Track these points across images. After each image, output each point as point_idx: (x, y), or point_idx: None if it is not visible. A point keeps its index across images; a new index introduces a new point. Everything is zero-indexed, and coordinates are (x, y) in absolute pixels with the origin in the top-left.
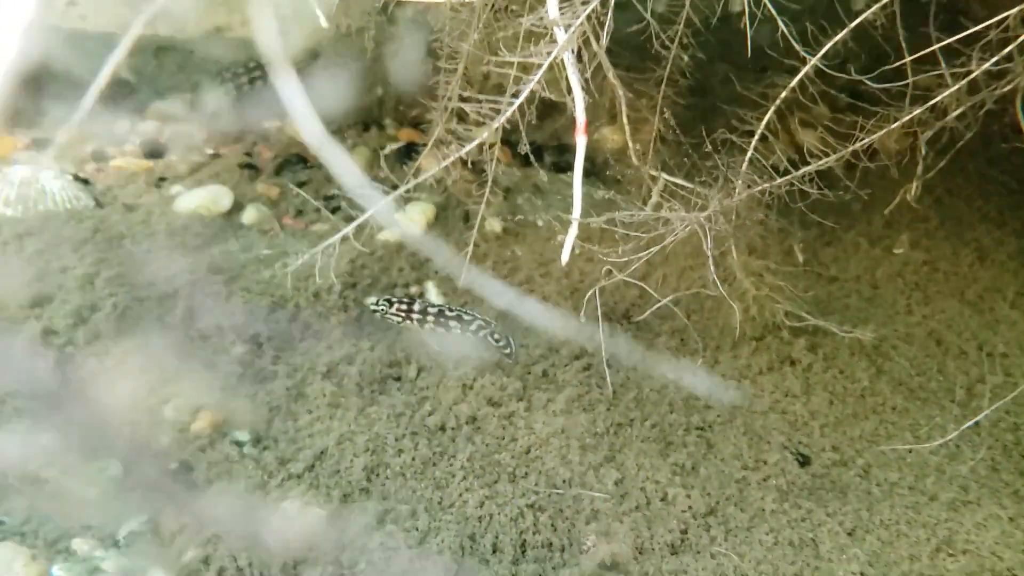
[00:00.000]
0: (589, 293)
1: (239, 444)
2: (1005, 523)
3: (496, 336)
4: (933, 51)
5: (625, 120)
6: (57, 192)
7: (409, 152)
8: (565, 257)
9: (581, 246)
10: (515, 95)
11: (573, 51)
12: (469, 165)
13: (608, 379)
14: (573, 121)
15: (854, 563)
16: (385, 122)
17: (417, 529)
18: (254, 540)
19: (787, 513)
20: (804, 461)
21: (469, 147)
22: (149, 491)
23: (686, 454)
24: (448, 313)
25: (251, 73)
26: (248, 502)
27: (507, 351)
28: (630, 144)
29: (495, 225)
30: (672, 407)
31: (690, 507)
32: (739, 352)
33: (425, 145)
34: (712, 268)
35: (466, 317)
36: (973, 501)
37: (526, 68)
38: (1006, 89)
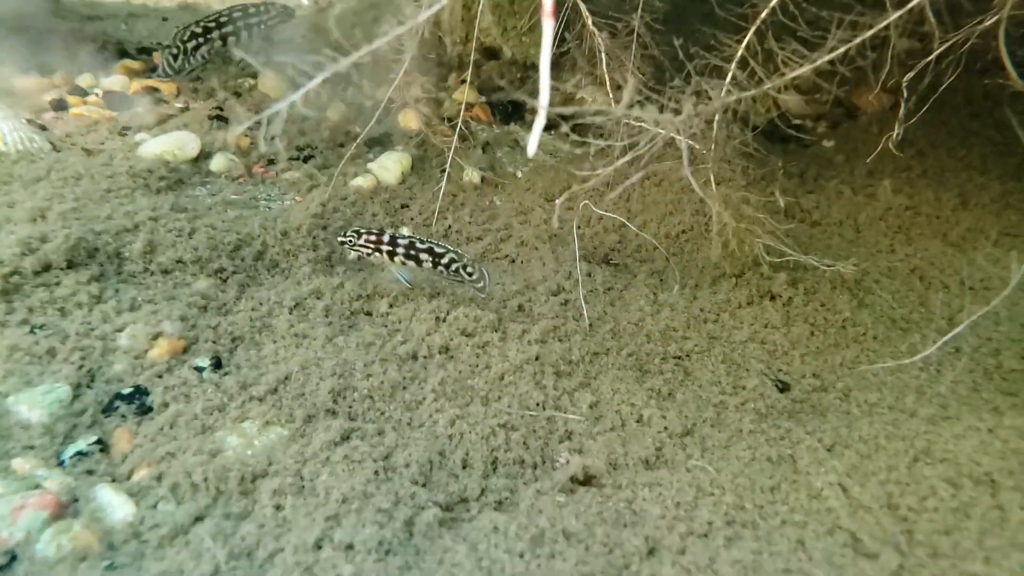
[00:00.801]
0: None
1: (199, 369)
2: (984, 434)
3: (469, 269)
4: None
5: (605, 69)
6: (8, 133)
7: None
8: (532, 149)
9: (562, 194)
10: None
11: None
12: (447, 121)
13: (585, 313)
14: (553, 78)
15: (832, 474)
16: (361, 82)
17: (384, 445)
18: (210, 457)
19: (765, 432)
20: (784, 387)
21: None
22: (99, 414)
23: (663, 380)
24: (419, 245)
25: (211, 33)
26: (205, 422)
27: (479, 284)
28: (609, 93)
29: (474, 176)
30: (649, 338)
31: (666, 428)
32: (718, 288)
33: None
34: (692, 199)
35: (438, 249)
36: (953, 416)
37: None
38: (989, 23)
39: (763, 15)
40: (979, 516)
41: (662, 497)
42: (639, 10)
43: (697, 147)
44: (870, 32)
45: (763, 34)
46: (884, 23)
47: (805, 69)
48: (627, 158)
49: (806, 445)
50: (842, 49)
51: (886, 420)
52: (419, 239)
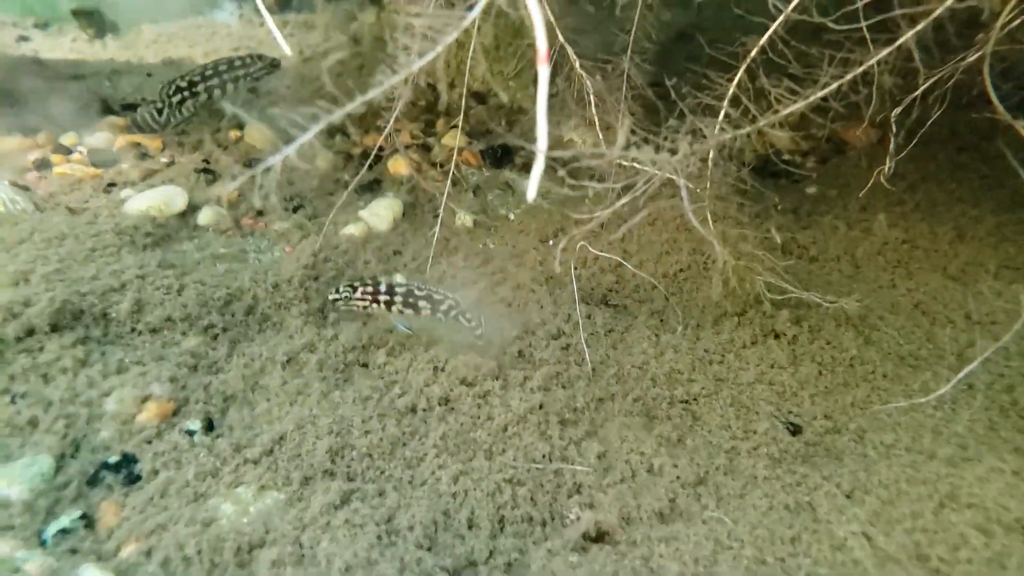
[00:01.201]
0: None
1: (190, 433)
2: (1008, 476)
3: (468, 316)
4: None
5: (593, 110)
6: None
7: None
8: (531, 194)
9: (556, 235)
10: (470, 7)
11: None
12: (438, 166)
13: (587, 357)
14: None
15: (854, 523)
16: (349, 130)
17: (386, 507)
18: (203, 527)
19: (780, 479)
20: (795, 430)
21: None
22: (84, 486)
23: (671, 426)
24: (417, 293)
25: (196, 87)
26: (198, 489)
27: (478, 331)
28: (599, 133)
29: (466, 220)
30: (654, 381)
31: (678, 477)
32: (721, 328)
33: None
34: (692, 243)
35: (436, 296)
36: (973, 457)
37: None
38: (973, 58)
39: (752, 53)
40: (1015, 567)
41: (679, 553)
42: (628, 51)
43: (691, 186)
44: (860, 69)
45: (753, 72)
46: (873, 59)
47: (799, 106)
48: (624, 200)
49: (824, 491)
50: (834, 85)
51: (905, 463)
52: (416, 286)
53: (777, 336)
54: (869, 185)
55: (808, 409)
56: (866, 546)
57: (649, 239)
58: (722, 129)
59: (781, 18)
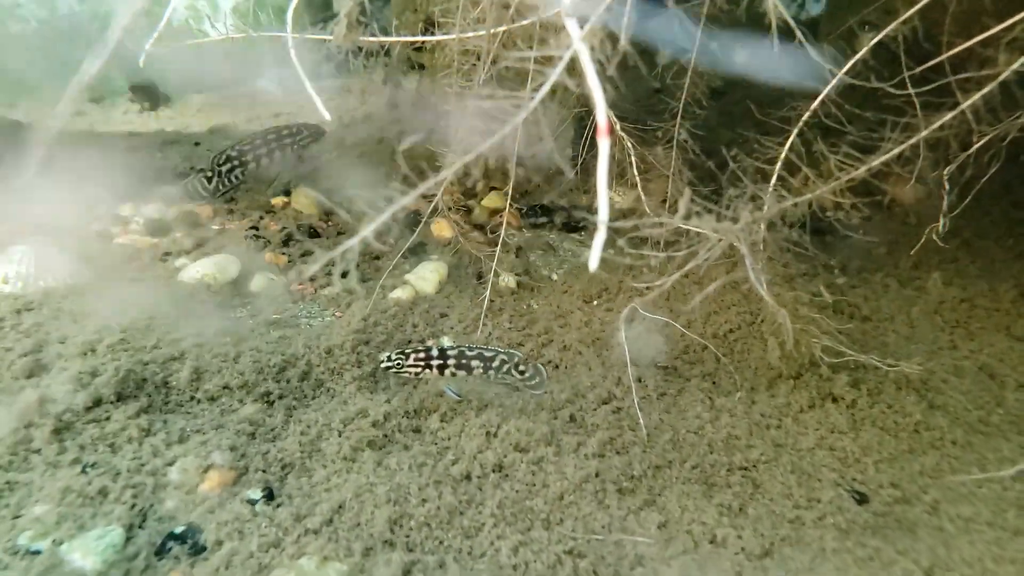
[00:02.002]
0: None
1: (251, 503)
2: None
3: (521, 368)
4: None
5: (636, 172)
6: (58, 269)
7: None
8: (593, 264)
9: (600, 296)
10: (536, 90)
11: (590, 46)
12: (482, 230)
13: (641, 422)
14: (577, 184)
15: None
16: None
17: None
18: None
19: (852, 552)
20: (861, 499)
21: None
22: (153, 556)
23: (732, 494)
24: (468, 353)
25: (245, 156)
26: (262, 560)
27: (533, 382)
28: (642, 197)
29: (509, 281)
30: (712, 447)
31: (743, 548)
32: (776, 391)
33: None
34: (747, 303)
35: (487, 353)
36: None
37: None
38: None
39: (805, 117)
40: None
41: None
42: (679, 118)
43: (746, 251)
44: (924, 133)
45: (805, 136)
46: (937, 124)
47: (860, 171)
48: (688, 267)
49: (900, 567)
50: (896, 151)
51: (988, 539)
52: (467, 347)
53: (835, 400)
54: (921, 243)
55: (873, 477)
56: None
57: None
58: (781, 197)
59: (834, 80)
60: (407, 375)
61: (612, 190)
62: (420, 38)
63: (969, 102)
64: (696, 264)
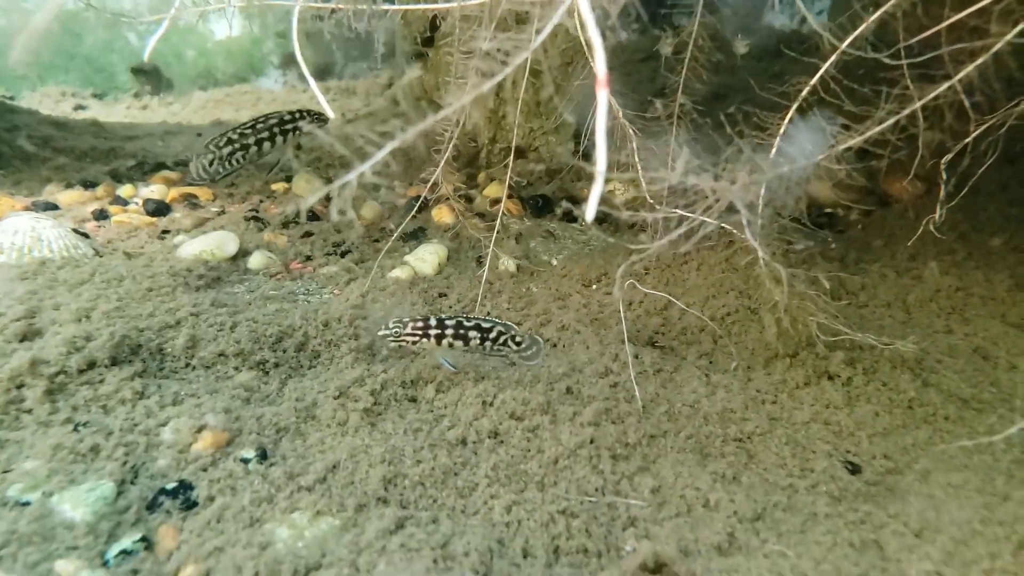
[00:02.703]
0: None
1: (244, 461)
2: None
3: (518, 339)
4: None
5: (636, 158)
6: (53, 241)
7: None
8: (590, 215)
9: (599, 280)
10: (538, 31)
11: None
12: (481, 216)
13: (637, 394)
14: (578, 176)
15: (927, 562)
16: (394, 182)
17: (440, 533)
18: (260, 550)
19: (843, 516)
20: (854, 469)
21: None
22: (144, 511)
23: (726, 463)
24: (466, 323)
25: (247, 139)
26: (253, 514)
27: (530, 352)
28: (643, 184)
29: (509, 265)
30: (707, 420)
31: (735, 512)
32: (773, 369)
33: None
34: (744, 285)
35: (485, 324)
36: None
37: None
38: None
39: (804, 92)
40: None
41: None
42: (679, 92)
43: (743, 209)
44: (918, 104)
45: (805, 111)
46: (932, 94)
47: (856, 140)
48: (680, 231)
49: (891, 529)
50: (891, 120)
51: (977, 504)
52: (464, 317)
53: (831, 377)
54: (919, 234)
55: (867, 449)
56: None
57: (694, 282)
58: (778, 163)
59: (835, 55)
60: (405, 344)
61: (613, 182)
62: (421, 6)
63: (963, 73)
64: (687, 231)
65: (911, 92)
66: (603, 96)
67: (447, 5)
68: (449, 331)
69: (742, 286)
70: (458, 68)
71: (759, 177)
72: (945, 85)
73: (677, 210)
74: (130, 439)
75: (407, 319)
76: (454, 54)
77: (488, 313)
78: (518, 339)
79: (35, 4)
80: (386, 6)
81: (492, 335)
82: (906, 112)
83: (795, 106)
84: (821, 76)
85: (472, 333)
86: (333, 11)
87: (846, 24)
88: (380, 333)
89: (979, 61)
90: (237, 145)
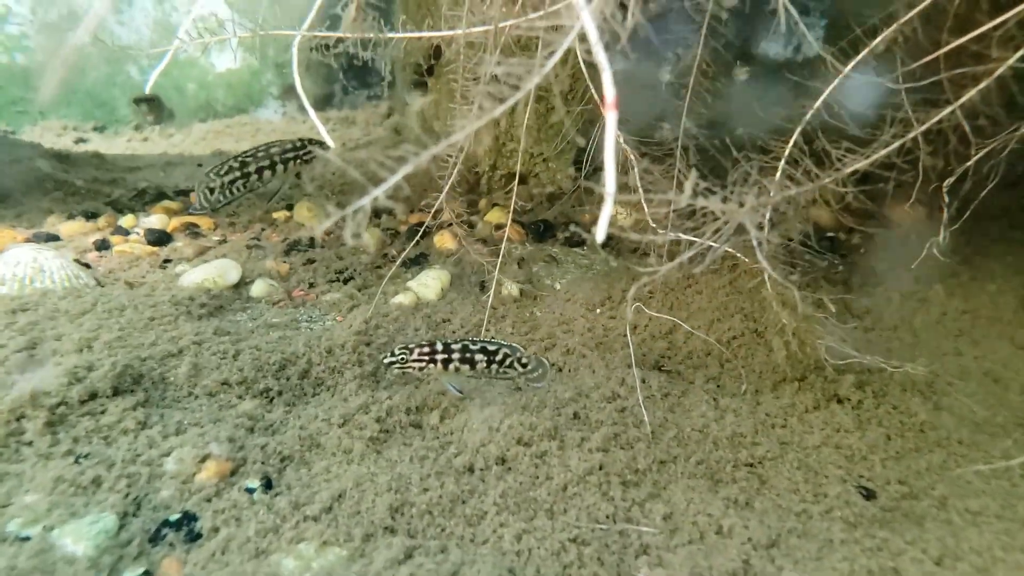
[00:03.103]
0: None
1: (249, 491)
2: None
3: (524, 361)
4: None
5: (639, 183)
6: (55, 271)
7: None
8: (601, 235)
9: (603, 304)
10: (549, 55)
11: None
12: (483, 242)
13: (646, 419)
14: (579, 201)
15: None
16: (395, 209)
17: (450, 562)
18: None
19: (860, 543)
20: (869, 494)
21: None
22: (147, 543)
23: (738, 489)
24: (472, 347)
25: (248, 167)
26: (259, 545)
27: (536, 374)
28: (645, 208)
29: (512, 289)
30: (717, 444)
31: (749, 539)
32: (781, 392)
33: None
34: (752, 306)
35: (491, 347)
36: None
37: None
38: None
39: (807, 116)
40: None
41: None
42: (683, 118)
43: (752, 229)
44: (923, 127)
45: (809, 136)
46: (937, 117)
47: (863, 163)
48: (688, 255)
49: (909, 556)
50: (896, 144)
51: (997, 530)
52: (469, 340)
53: (840, 401)
54: (923, 256)
55: (880, 473)
56: None
57: (699, 306)
58: (785, 186)
59: (836, 81)
60: (411, 371)
61: (615, 208)
62: (427, 33)
63: (965, 98)
64: (692, 255)
65: (911, 117)
66: (612, 118)
67: (452, 33)
68: (456, 355)
69: (747, 309)
70: (464, 94)
71: (766, 200)
72: (947, 110)
73: (684, 234)
74: (132, 470)
75: (412, 344)
76: (459, 80)
77: (492, 338)
78: (524, 360)
79: (36, 43)
80: (392, 34)
81: (498, 357)
82: (909, 137)
83: (799, 129)
84: (824, 100)
85: (478, 356)
86: (339, 40)
87: (847, 49)
88: (386, 361)
89: (981, 86)
90: (238, 173)
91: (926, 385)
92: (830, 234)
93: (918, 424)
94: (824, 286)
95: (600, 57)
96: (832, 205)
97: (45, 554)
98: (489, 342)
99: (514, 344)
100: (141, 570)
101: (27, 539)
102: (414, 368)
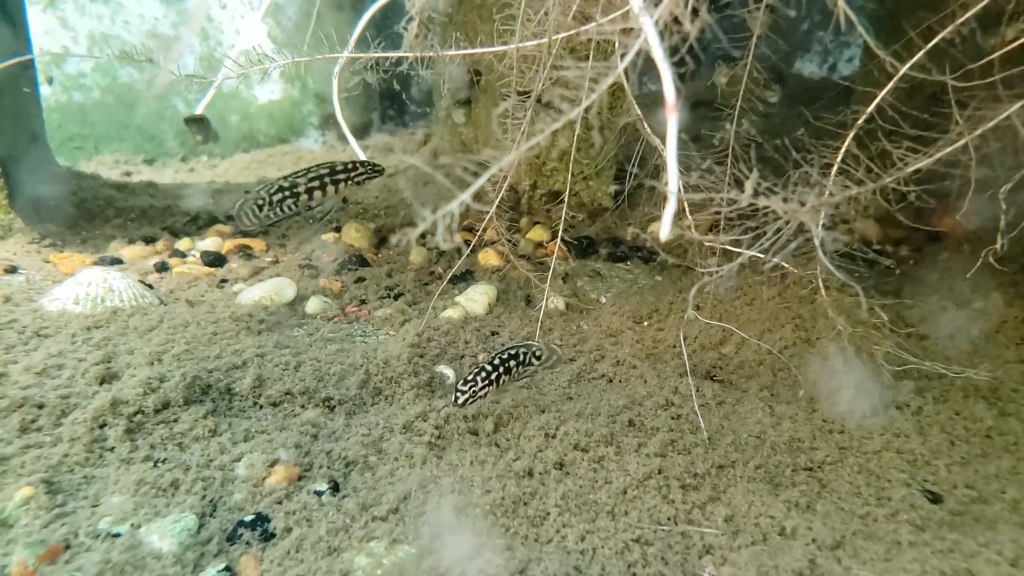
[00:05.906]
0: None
1: (318, 494)
2: None
3: (538, 353)
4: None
5: (684, 197)
6: (123, 291)
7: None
8: (664, 232)
9: (651, 316)
10: (623, 56)
11: (656, 22)
12: (526, 258)
13: (702, 425)
14: (622, 216)
15: None
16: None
17: (517, 559)
18: None
19: (929, 545)
20: (935, 498)
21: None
22: (225, 542)
23: (799, 492)
24: (503, 356)
25: (298, 187)
26: (331, 544)
27: (551, 361)
28: (690, 219)
29: (559, 303)
30: (775, 449)
31: (814, 540)
32: (837, 399)
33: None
34: (804, 323)
35: (512, 351)
36: None
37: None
38: None
39: (862, 119)
40: None
41: None
42: (734, 124)
43: (813, 227)
44: (992, 122)
45: (861, 140)
46: (1009, 111)
47: (927, 161)
48: (750, 252)
49: (984, 558)
50: (961, 142)
51: None
52: (498, 354)
53: (899, 407)
54: (978, 265)
55: (945, 478)
56: None
57: (748, 317)
58: (845, 186)
59: (897, 77)
60: (482, 398)
61: (657, 222)
62: (480, 49)
63: (1017, 106)
64: (762, 248)
65: (960, 125)
66: (673, 120)
67: (505, 48)
68: (500, 368)
69: (799, 320)
70: (514, 111)
71: (828, 200)
72: (1000, 116)
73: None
74: (207, 474)
75: (469, 377)
76: (510, 95)
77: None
78: (538, 352)
79: (93, 81)
80: (448, 51)
81: (521, 358)
82: (979, 131)
83: (851, 135)
84: (877, 105)
85: (511, 363)
86: (399, 59)
87: (902, 52)
88: (458, 401)
89: None
90: (288, 192)
91: (990, 391)
92: (876, 246)
93: (984, 429)
94: (875, 296)
95: (660, 60)
96: (892, 205)
97: (135, 549)
98: (509, 348)
99: (527, 341)
100: (222, 566)
101: (118, 535)
102: (483, 396)
